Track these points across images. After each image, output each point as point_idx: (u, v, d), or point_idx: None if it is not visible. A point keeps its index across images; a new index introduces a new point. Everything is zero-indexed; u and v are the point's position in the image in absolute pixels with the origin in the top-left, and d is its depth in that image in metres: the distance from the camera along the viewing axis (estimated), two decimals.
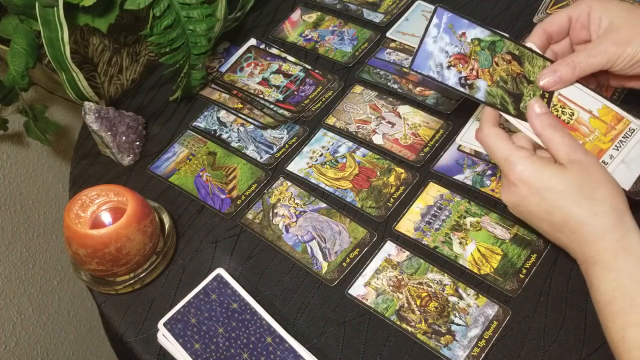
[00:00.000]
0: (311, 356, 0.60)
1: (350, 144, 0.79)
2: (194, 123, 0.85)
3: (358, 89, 0.84)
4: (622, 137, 0.62)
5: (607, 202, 0.55)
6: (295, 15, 0.95)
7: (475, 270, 0.66)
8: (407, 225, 0.71)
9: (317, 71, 0.87)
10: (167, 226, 0.72)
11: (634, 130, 0.62)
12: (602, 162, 0.61)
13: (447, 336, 0.62)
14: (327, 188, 0.75)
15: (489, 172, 0.73)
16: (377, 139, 0.78)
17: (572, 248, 0.57)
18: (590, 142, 0.62)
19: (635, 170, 0.61)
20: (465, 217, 0.70)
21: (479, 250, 0.67)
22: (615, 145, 0.61)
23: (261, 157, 0.79)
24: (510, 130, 0.65)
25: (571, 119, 0.62)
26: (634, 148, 0.62)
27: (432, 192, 0.73)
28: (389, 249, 0.69)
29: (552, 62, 0.64)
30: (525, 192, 0.57)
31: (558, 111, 0.63)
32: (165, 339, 0.63)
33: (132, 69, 0.88)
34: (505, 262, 0.66)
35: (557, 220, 0.57)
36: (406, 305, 0.65)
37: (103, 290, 0.70)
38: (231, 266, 0.71)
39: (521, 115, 0.62)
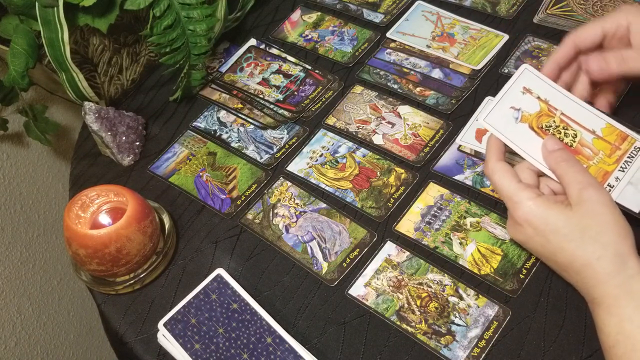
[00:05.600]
0: (311, 356, 0.60)
1: (350, 144, 0.79)
2: (194, 123, 0.85)
3: (358, 89, 0.84)
4: (628, 157, 0.60)
5: (611, 246, 0.54)
6: (295, 15, 0.95)
7: (476, 271, 0.66)
8: (407, 225, 0.71)
9: (317, 71, 0.87)
10: (167, 226, 0.72)
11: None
12: (608, 185, 0.59)
13: (447, 336, 0.62)
14: (327, 188, 0.75)
15: None
16: (377, 139, 0.78)
17: (578, 287, 0.58)
18: (595, 165, 0.60)
19: None
20: (465, 218, 0.70)
21: (479, 251, 0.67)
22: (621, 167, 0.60)
23: (261, 157, 0.79)
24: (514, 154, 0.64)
25: (574, 142, 0.61)
26: None
27: (432, 192, 0.73)
28: (389, 249, 0.69)
29: None
30: (531, 232, 0.58)
31: (561, 133, 0.61)
32: (165, 339, 0.63)
33: (132, 69, 0.88)
34: (506, 262, 0.66)
35: (561, 262, 0.57)
36: (406, 305, 0.65)
37: (103, 290, 0.70)
38: (231, 266, 0.71)
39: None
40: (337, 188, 0.75)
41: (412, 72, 0.84)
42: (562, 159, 0.59)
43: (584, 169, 0.58)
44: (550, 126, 0.62)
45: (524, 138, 0.61)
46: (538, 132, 0.62)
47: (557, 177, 0.59)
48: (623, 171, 0.60)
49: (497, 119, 0.62)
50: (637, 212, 0.59)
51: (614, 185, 0.59)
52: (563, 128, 0.61)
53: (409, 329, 0.63)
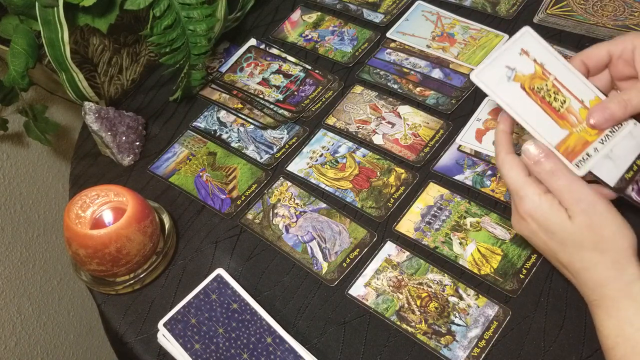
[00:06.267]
0: (311, 356, 0.60)
1: (350, 144, 0.79)
2: (194, 123, 0.85)
3: (358, 89, 0.84)
4: (610, 130, 0.61)
5: (610, 255, 0.54)
6: (295, 15, 0.95)
7: (475, 271, 0.66)
8: (407, 225, 0.71)
9: (317, 71, 0.87)
10: (167, 226, 0.72)
11: (622, 125, 0.61)
12: (586, 154, 0.60)
13: (447, 336, 0.62)
14: (327, 188, 0.75)
15: (489, 172, 0.73)
16: (377, 139, 0.78)
17: (577, 287, 0.58)
18: (577, 134, 0.61)
19: (622, 165, 0.60)
20: (465, 218, 0.70)
21: (479, 251, 0.67)
22: (601, 139, 0.61)
23: (261, 157, 0.79)
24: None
25: (562, 107, 0.62)
26: (621, 143, 0.60)
27: (432, 192, 0.73)
28: (389, 249, 0.69)
29: None
30: (535, 228, 0.58)
31: (551, 97, 0.61)
32: (165, 339, 0.63)
33: (132, 69, 0.88)
34: (506, 262, 0.66)
35: (562, 260, 0.57)
36: (406, 305, 0.65)
37: (103, 290, 0.70)
38: (231, 266, 0.71)
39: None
40: (337, 188, 0.75)
41: (412, 72, 0.84)
42: (550, 170, 0.58)
43: (575, 178, 0.57)
44: (542, 89, 0.62)
45: (514, 97, 0.61)
46: (529, 92, 0.62)
47: (548, 188, 0.58)
48: (602, 143, 0.60)
49: (490, 76, 0.61)
50: (612, 186, 0.60)
51: (591, 155, 0.60)
52: (554, 92, 0.62)
53: (409, 329, 0.63)
